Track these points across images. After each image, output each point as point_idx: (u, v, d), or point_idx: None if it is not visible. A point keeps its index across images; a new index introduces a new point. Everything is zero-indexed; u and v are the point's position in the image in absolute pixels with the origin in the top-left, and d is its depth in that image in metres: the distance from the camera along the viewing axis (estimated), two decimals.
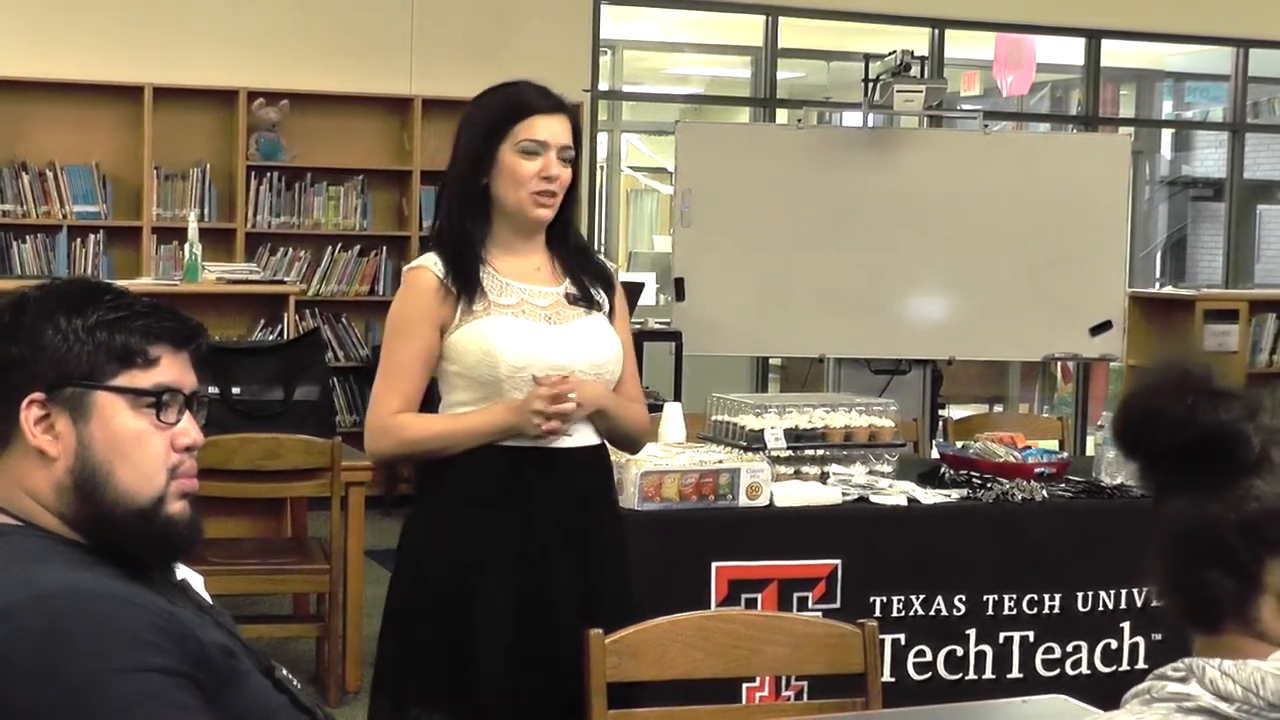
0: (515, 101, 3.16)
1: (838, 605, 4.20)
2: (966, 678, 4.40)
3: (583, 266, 3.24)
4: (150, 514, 1.83)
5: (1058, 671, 4.46)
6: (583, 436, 3.19)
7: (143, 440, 1.83)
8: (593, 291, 3.23)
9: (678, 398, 7.24)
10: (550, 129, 3.13)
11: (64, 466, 1.81)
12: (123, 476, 1.82)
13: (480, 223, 3.16)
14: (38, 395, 1.81)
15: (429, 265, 3.14)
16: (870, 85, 8.28)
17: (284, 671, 1.94)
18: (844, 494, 4.37)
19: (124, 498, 1.82)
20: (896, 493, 4.42)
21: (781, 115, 10.24)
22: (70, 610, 1.67)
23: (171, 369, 1.87)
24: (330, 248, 8.95)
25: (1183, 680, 1.60)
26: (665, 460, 4.15)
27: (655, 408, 5.12)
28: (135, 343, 1.84)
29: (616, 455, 4.03)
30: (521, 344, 3.11)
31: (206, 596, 1.95)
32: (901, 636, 4.34)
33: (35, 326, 1.83)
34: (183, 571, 1.94)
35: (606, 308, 3.25)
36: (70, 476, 1.81)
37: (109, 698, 1.63)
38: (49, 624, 1.65)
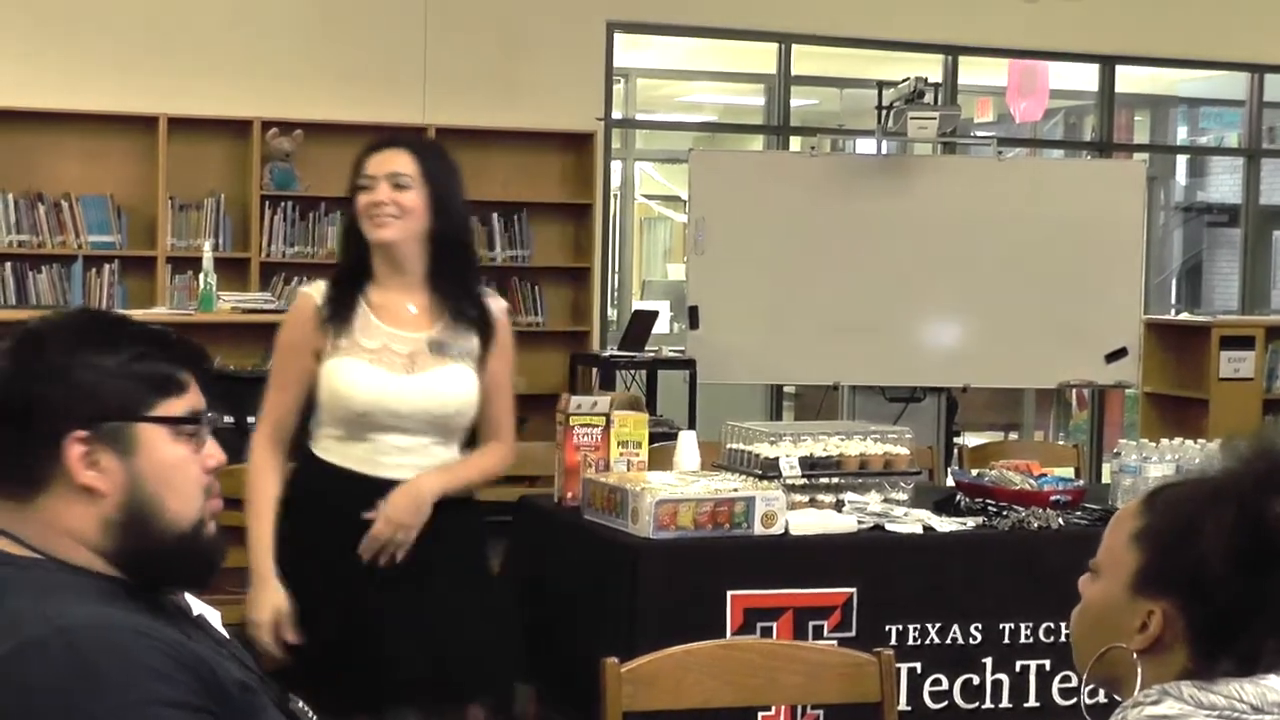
0: (360, 152, 3.52)
1: (853, 634, 4.18)
2: (983, 706, 4.38)
3: (458, 308, 3.50)
4: (193, 537, 1.85)
5: (1074, 700, 4.43)
6: (404, 468, 3.47)
7: (184, 467, 1.85)
8: (462, 338, 3.49)
9: (692, 426, 7.24)
10: (376, 163, 3.46)
11: (114, 502, 1.81)
12: (171, 505, 1.84)
13: (362, 259, 3.48)
14: (81, 433, 1.80)
15: (312, 292, 3.51)
16: (884, 112, 8.29)
17: (300, 704, 1.94)
18: (859, 522, 4.36)
19: (172, 526, 1.83)
20: (912, 521, 4.41)
21: (795, 143, 10.23)
22: (91, 643, 1.66)
23: (195, 393, 1.89)
24: None
25: (1156, 703, 1.66)
26: (680, 489, 4.14)
27: (670, 436, 5.12)
28: (168, 370, 1.85)
29: (632, 484, 4.04)
30: (369, 391, 3.41)
31: (223, 631, 1.95)
32: (917, 665, 4.31)
33: (63, 365, 1.81)
34: (199, 606, 1.93)
35: (477, 354, 3.51)
36: (121, 512, 1.81)
37: None
38: (70, 657, 1.64)
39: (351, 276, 3.49)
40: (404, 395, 3.42)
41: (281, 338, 3.55)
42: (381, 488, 3.45)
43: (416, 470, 3.48)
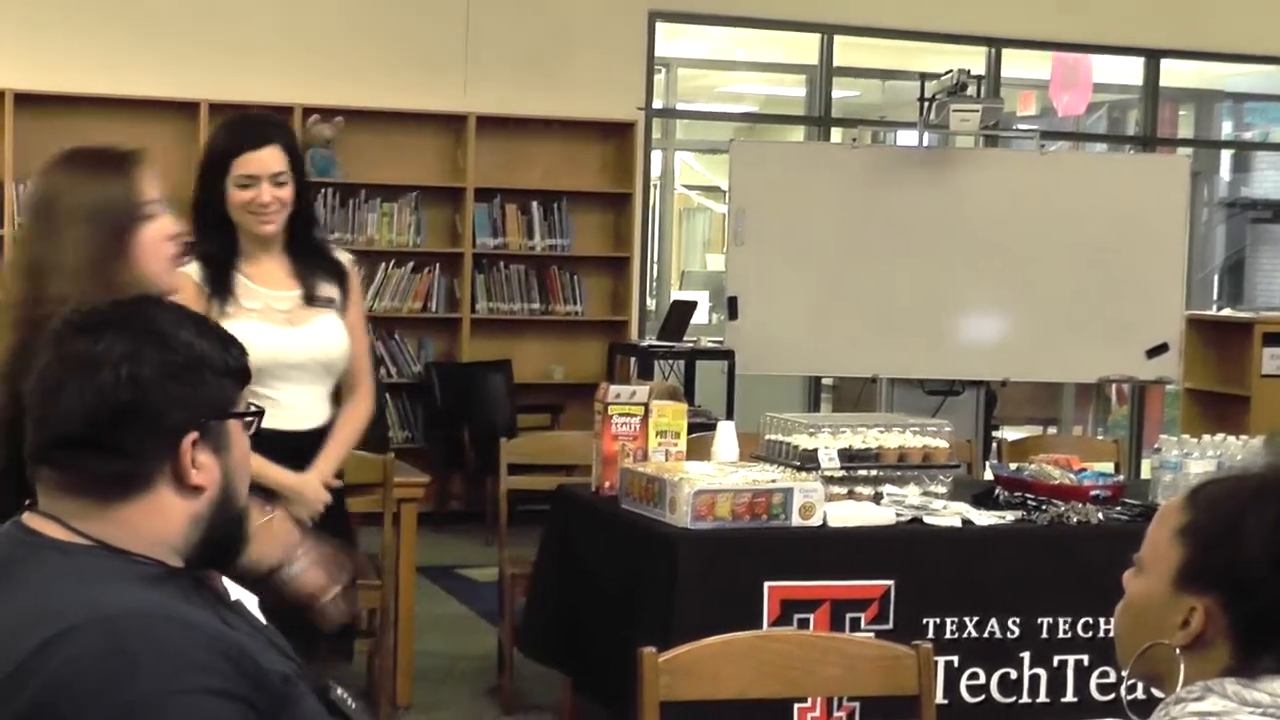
0: (232, 140, 3.72)
1: (890, 626, 4.17)
2: (1020, 701, 4.36)
3: (317, 264, 3.78)
4: (245, 519, 1.88)
5: (1112, 696, 4.41)
6: (300, 419, 3.71)
7: (249, 456, 1.87)
8: (327, 290, 3.76)
9: (730, 416, 7.23)
10: (259, 162, 3.66)
11: (208, 498, 1.79)
12: (242, 492, 1.86)
13: (227, 235, 3.70)
14: (195, 434, 1.77)
15: (188, 272, 3.62)
16: (926, 104, 8.26)
17: (340, 691, 1.92)
18: (898, 515, 4.35)
19: (240, 511, 1.85)
20: (950, 514, 4.39)
21: (836, 134, 10.21)
22: (131, 632, 1.65)
23: None
24: (384, 264, 8.97)
25: (1199, 699, 1.65)
26: (718, 479, 4.14)
27: (708, 426, 5.12)
28: (243, 360, 1.85)
29: (670, 474, 4.04)
30: (264, 347, 3.53)
31: (260, 617, 1.94)
32: (955, 658, 4.30)
33: (186, 364, 1.77)
34: (236, 591, 1.93)
35: (339, 301, 3.78)
36: (210, 506, 1.80)
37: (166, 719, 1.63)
38: (110, 646, 1.63)
39: (216, 251, 3.70)
40: (294, 346, 3.69)
41: None
42: (279, 439, 3.56)
43: (306, 420, 3.73)
